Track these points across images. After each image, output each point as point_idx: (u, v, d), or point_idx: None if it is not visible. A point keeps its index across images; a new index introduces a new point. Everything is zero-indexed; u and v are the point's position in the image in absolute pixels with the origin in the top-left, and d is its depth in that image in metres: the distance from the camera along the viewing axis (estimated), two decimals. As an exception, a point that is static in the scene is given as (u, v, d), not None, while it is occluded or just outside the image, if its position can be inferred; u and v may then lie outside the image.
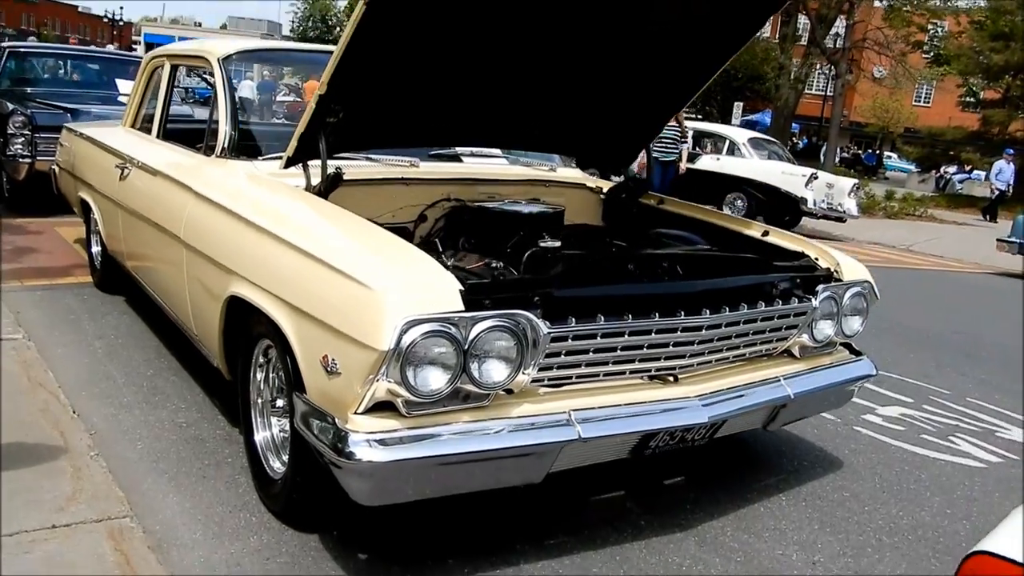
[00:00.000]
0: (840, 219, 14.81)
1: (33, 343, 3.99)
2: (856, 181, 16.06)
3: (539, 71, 3.28)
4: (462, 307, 2.17)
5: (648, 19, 3.18)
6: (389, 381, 2.13)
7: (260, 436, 2.85)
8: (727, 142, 14.80)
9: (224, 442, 3.25)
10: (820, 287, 3.00)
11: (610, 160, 3.98)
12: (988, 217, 21.08)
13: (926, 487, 3.47)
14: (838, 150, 30.19)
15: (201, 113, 5.96)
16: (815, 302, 2.96)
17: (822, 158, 27.49)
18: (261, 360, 2.86)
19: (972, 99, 32.69)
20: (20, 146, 7.36)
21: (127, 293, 5.02)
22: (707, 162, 14.40)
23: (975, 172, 33.65)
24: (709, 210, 3.73)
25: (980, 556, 1.10)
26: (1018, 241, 12.01)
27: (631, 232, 3.73)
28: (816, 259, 3.16)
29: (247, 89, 4.86)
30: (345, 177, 3.07)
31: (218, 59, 3.70)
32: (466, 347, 2.18)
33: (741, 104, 30.99)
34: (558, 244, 2.87)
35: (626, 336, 2.48)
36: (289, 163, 3.08)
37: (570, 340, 2.37)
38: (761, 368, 2.94)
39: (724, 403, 2.69)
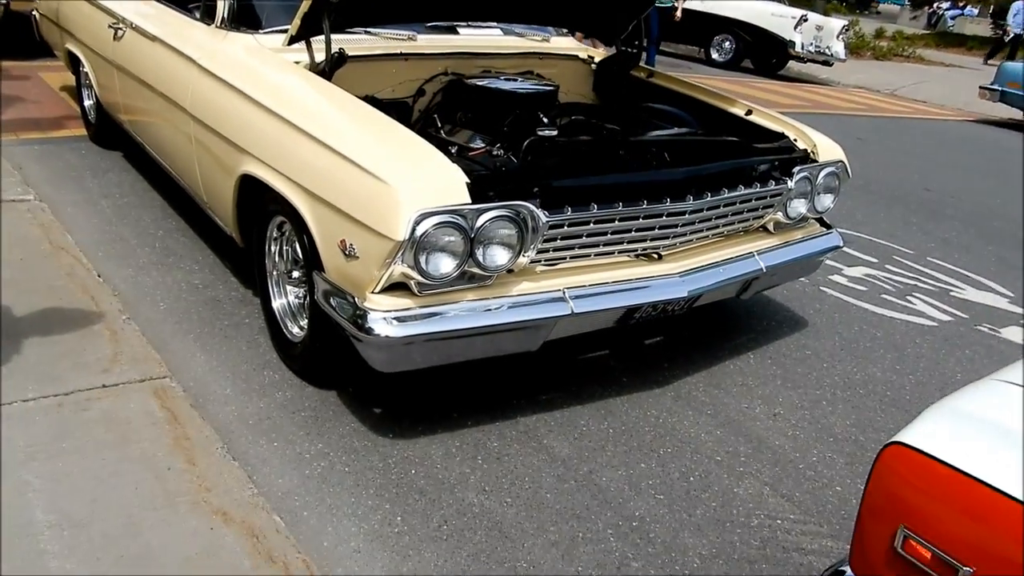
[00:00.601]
0: (827, 63, 14.71)
1: (46, 204, 4.15)
2: (845, 22, 15.81)
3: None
4: (469, 199, 2.38)
5: None
6: (403, 265, 2.37)
7: (277, 303, 3.11)
8: (717, -21, 14.37)
9: (240, 303, 3.51)
10: (796, 168, 3.21)
11: (604, 31, 4.05)
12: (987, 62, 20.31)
13: (880, 345, 3.84)
14: None
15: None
16: (791, 183, 3.19)
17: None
18: (275, 234, 3.07)
19: (973, -72, 31.44)
20: (-6, -14, 7.15)
21: (124, 148, 5.13)
22: (696, 3, 14.06)
23: (968, 8, 32.91)
24: (695, 85, 3.86)
25: (897, 446, 1.36)
26: (1000, 88, 12.08)
27: (621, 106, 3.87)
28: (795, 140, 3.36)
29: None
30: (348, 54, 3.17)
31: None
32: (472, 235, 2.41)
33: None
34: (555, 133, 3.04)
35: (616, 222, 2.71)
36: (292, 41, 3.16)
37: (566, 227, 2.61)
38: (737, 243, 3.20)
39: (702, 278, 2.96)
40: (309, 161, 2.64)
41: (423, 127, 3.49)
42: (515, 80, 3.58)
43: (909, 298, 4.45)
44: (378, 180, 2.38)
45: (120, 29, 4.19)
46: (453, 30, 3.84)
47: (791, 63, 14.88)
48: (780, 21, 13.85)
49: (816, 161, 3.31)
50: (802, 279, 4.34)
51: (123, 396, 2.65)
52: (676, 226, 2.87)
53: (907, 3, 35.19)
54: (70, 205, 4.31)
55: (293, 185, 2.70)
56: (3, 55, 7.35)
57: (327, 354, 2.84)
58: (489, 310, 2.55)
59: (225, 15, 3.48)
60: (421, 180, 2.39)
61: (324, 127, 2.66)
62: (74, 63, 5.21)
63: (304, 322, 3.00)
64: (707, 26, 14.14)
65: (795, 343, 3.74)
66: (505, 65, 3.78)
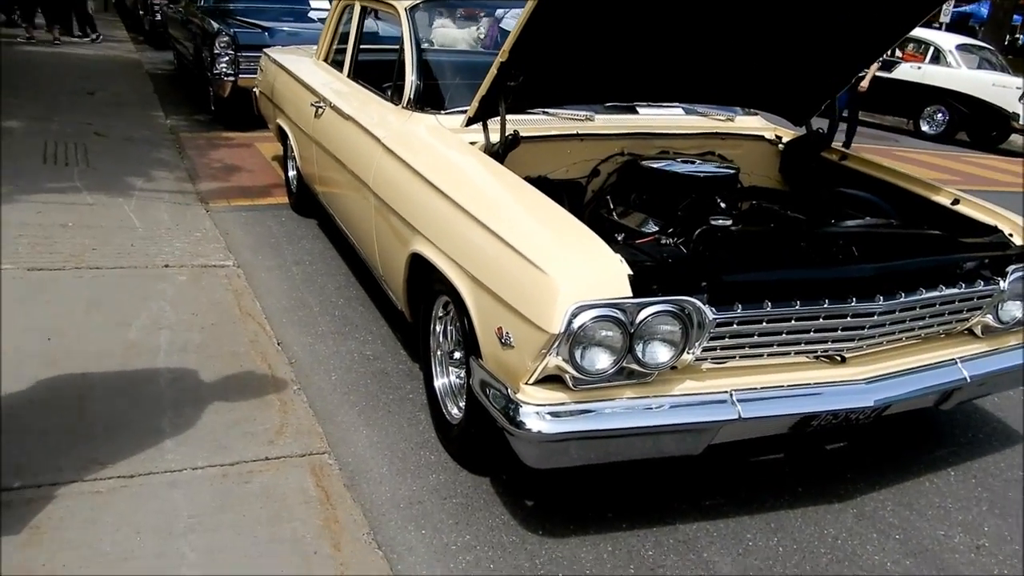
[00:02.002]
0: (1057, 137, 13.39)
1: (242, 271, 4.43)
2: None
3: (722, 21, 3.19)
4: (630, 292, 2.27)
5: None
6: (558, 359, 2.27)
7: (439, 383, 3.10)
8: (931, 48, 13.56)
9: (406, 377, 3.55)
10: (1011, 267, 2.85)
11: (794, 111, 3.84)
12: None
13: (1115, 471, 3.30)
14: None
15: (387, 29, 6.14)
16: (1003, 284, 2.83)
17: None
18: (440, 313, 3.08)
19: None
20: (225, 65, 7.92)
21: (318, 216, 5.43)
22: (907, 71, 13.32)
23: None
24: (895, 170, 3.55)
25: None
26: None
27: (809, 191, 3.63)
28: (1010, 235, 2.99)
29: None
30: (521, 135, 3.18)
31: (406, 8, 3.84)
32: (632, 330, 2.28)
33: (952, -3, 28.04)
34: (729, 222, 2.87)
35: (793, 322, 2.49)
36: (471, 122, 3.21)
37: (735, 325, 2.42)
38: (936, 348, 2.87)
39: (892, 386, 2.66)
40: (472, 244, 2.63)
41: (595, 209, 3.43)
42: (693, 162, 3.44)
43: None
44: (536, 268, 2.32)
45: (321, 107, 4.47)
46: (633, 110, 3.77)
47: (1015, 136, 13.68)
48: (1003, 92, 12.79)
49: (1035, 258, 2.92)
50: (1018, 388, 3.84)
51: (283, 471, 2.71)
52: (863, 328, 2.60)
53: None
54: (264, 270, 4.59)
55: (456, 267, 2.70)
56: (228, 127, 8.12)
57: (482, 440, 2.78)
58: (648, 410, 2.39)
59: (411, 95, 3.61)
60: (580, 270, 2.30)
61: (488, 210, 2.64)
62: (282, 137, 5.61)
63: (463, 404, 2.97)
64: (917, 96, 13.31)
65: (1007, 462, 3.28)
66: (685, 146, 3.66)
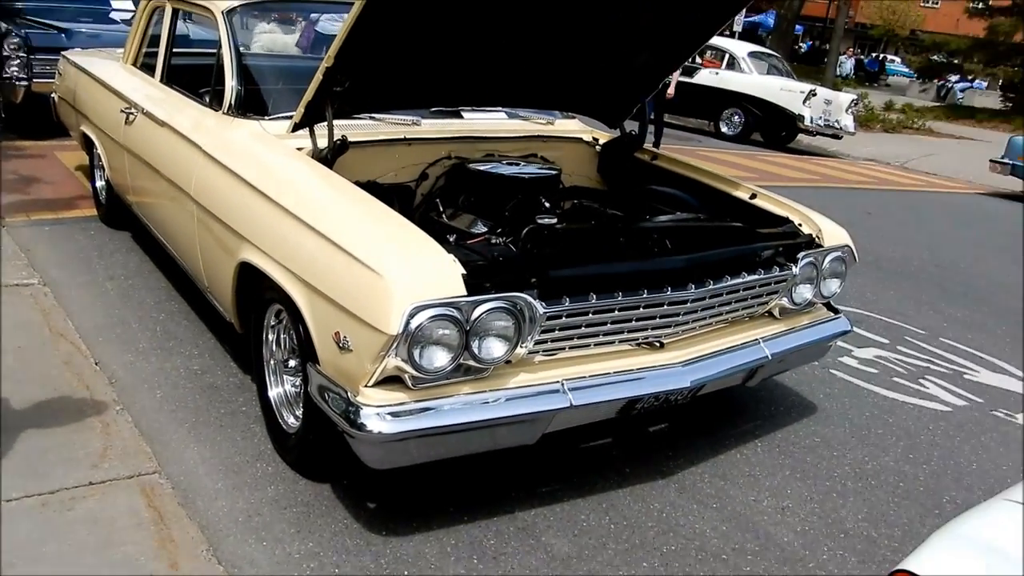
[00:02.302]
0: (836, 136, 14.81)
1: (49, 288, 4.15)
2: (855, 96, 15.99)
3: (540, 30, 3.33)
4: (464, 291, 2.35)
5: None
6: (397, 359, 2.32)
7: (274, 392, 3.05)
8: (727, 55, 14.62)
9: (237, 390, 3.46)
10: (801, 254, 3.17)
11: (608, 114, 4.07)
12: None
13: (892, 432, 3.73)
14: (842, 58, 29.70)
15: (198, 32, 5.92)
16: (795, 269, 3.14)
17: (838, 69, 27.11)
18: (273, 322, 3.04)
19: (981, 4, 31.96)
20: (16, 68, 7.34)
21: (132, 228, 5.15)
22: (706, 76, 14.30)
23: (978, 81, 33.27)
24: (700, 168, 3.85)
25: (903, 574, 1.29)
26: (1011, 162, 12.11)
27: (625, 189, 3.87)
28: (800, 225, 3.32)
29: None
30: (350, 139, 3.19)
31: (223, 11, 3.74)
32: (468, 328, 2.37)
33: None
34: (554, 220, 3.02)
35: (616, 312, 2.66)
36: (296, 128, 3.18)
37: (564, 317, 2.56)
38: (741, 330, 3.14)
39: (705, 367, 2.90)
40: (305, 250, 2.63)
41: (425, 211, 3.49)
42: (517, 164, 3.58)
43: (922, 381, 4.35)
44: (371, 271, 2.35)
45: (131, 114, 4.26)
46: (457, 114, 3.87)
47: (800, 136, 15.00)
48: (789, 96, 14.02)
49: (821, 246, 3.26)
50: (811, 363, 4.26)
51: (110, 494, 2.59)
52: (678, 315, 2.82)
53: (916, 76, 35.63)
54: (75, 287, 4.31)
55: (289, 274, 2.68)
56: (22, 135, 7.51)
57: (321, 446, 2.77)
58: (485, 404, 2.48)
59: (232, 101, 3.53)
60: (416, 272, 2.36)
61: (320, 215, 2.65)
62: (88, 145, 5.29)
63: (300, 412, 2.94)
64: (717, 100, 14.33)
65: (804, 430, 3.64)
66: (509, 148, 3.79)
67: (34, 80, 7.32)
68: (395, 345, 2.28)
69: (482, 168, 3.50)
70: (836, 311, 3.52)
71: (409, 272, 2.35)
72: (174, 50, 4.46)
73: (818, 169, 12.45)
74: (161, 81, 4.35)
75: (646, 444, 3.35)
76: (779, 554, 2.77)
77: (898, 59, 45.63)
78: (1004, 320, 5.66)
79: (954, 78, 33.84)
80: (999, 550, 1.26)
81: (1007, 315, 5.79)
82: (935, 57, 32.85)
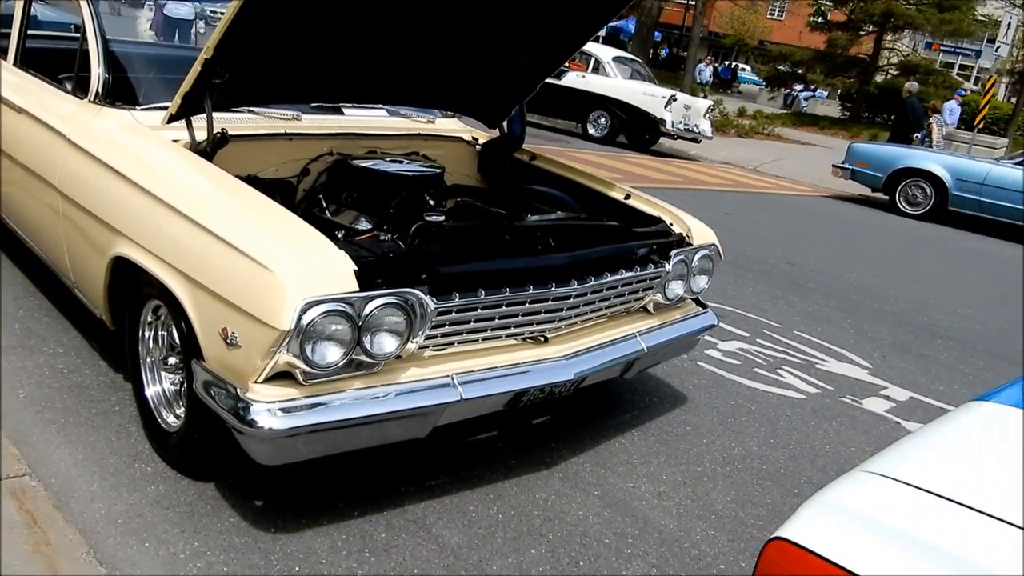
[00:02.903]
0: (695, 140, 15.49)
1: None
2: (711, 103, 16.78)
3: (421, 28, 3.37)
4: (356, 287, 2.36)
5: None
6: (288, 355, 2.31)
7: (151, 391, 2.96)
8: (592, 59, 15.04)
9: (109, 389, 3.33)
10: (673, 252, 3.35)
11: (488, 114, 4.15)
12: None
13: (755, 418, 4.00)
14: (700, 65, 31.09)
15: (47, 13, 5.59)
16: (668, 266, 3.32)
17: (697, 76, 28.31)
18: (150, 318, 2.95)
19: (821, 19, 34.20)
20: None
21: (-18, 221, 4.83)
22: (573, 79, 14.65)
23: (819, 91, 35.56)
24: (576, 169, 3.99)
25: (779, 542, 1.41)
26: (850, 167, 13.03)
27: (505, 188, 3.96)
28: (671, 224, 3.51)
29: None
30: (229, 132, 3.13)
31: (87, -5, 3.57)
32: (360, 323, 2.38)
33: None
34: (442, 218, 3.07)
35: (503, 307, 2.74)
36: (172, 119, 3.09)
37: (454, 313, 2.62)
38: (619, 324, 3.29)
39: (587, 360, 3.02)
40: (188, 244, 2.56)
41: (308, 207, 3.45)
42: (400, 162, 3.60)
43: (779, 371, 4.67)
44: (262, 267, 2.33)
45: (-18, 99, 3.99)
46: (338, 110, 3.85)
47: (662, 139, 15.63)
48: (652, 100, 14.57)
49: (691, 244, 3.46)
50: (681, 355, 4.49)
51: (-24, 499, 2.45)
52: (561, 310, 2.93)
53: (765, 85, 37.69)
54: (-83, 283, 4.01)
55: (170, 269, 2.60)
56: None
57: (206, 445, 2.72)
58: (377, 398, 2.51)
59: (99, 89, 3.37)
60: (307, 267, 2.36)
61: (205, 209, 2.59)
62: (-73, 130, 4.90)
63: (181, 411, 2.86)
64: (584, 103, 14.72)
65: (676, 419, 3.84)
66: (391, 146, 3.81)
67: None
68: (287, 341, 2.27)
69: (365, 165, 3.50)
70: (704, 306, 3.73)
71: (301, 267, 2.35)
72: (30, 32, 4.21)
73: (680, 171, 13.01)
74: (15, 64, 4.10)
75: (530, 436, 3.45)
76: (657, 536, 2.93)
77: (748, 68, 48.23)
78: (849, 314, 6.13)
79: (799, 87, 36.02)
80: (862, 514, 1.42)
81: (851, 309, 6.28)
82: (781, 67, 34.88)
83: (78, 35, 3.67)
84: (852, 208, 12.63)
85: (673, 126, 14.72)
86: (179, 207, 2.63)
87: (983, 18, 33.13)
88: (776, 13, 49.92)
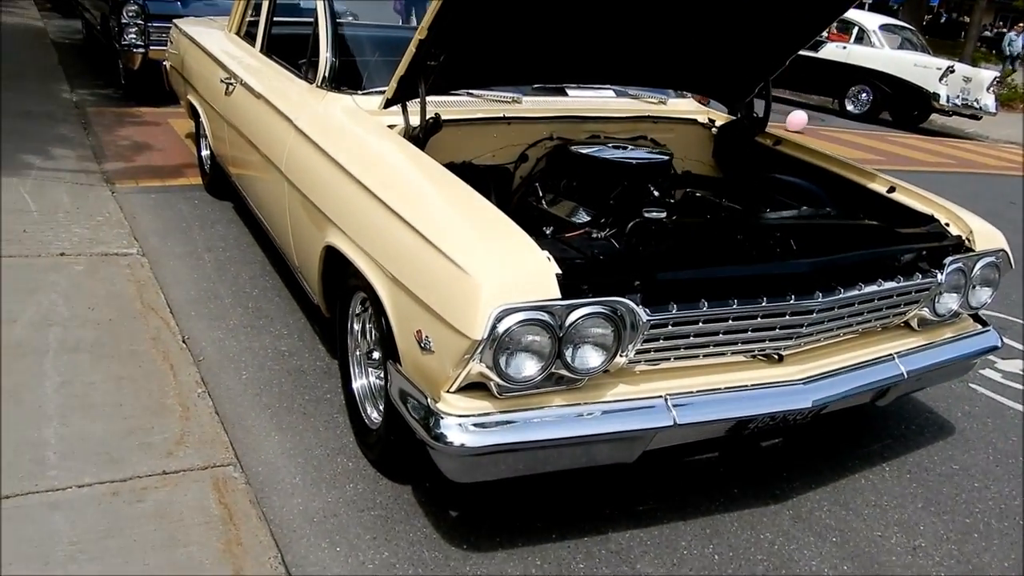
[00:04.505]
0: (975, 116, 13.72)
1: (147, 259, 4.12)
2: (997, 74, 14.78)
3: (654, 3, 3.03)
4: (558, 294, 2.10)
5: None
6: (482, 365, 2.10)
7: (358, 384, 2.89)
8: (855, 28, 13.70)
9: (324, 375, 3.33)
10: (948, 259, 2.77)
11: (728, 94, 3.71)
12: None
13: (1043, 462, 3.29)
14: (1011, 35, 27.53)
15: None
16: (941, 276, 2.75)
17: (1008, 48, 25.20)
18: (358, 310, 2.87)
19: None
20: (134, 35, 7.47)
21: (234, 200, 5.11)
22: (832, 50, 13.44)
23: None
24: (830, 156, 3.45)
25: None
26: None
27: (743, 176, 3.52)
28: (946, 225, 2.92)
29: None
30: (444, 118, 2.97)
31: (319, -21, 3.57)
32: (561, 334, 2.12)
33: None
34: (663, 215, 2.72)
35: (730, 321, 2.36)
36: (388, 104, 2.98)
37: (670, 326, 2.28)
38: (873, 343, 2.78)
39: (830, 385, 2.56)
40: (389, 238, 2.42)
41: (523, 197, 3.24)
42: (625, 148, 3.28)
43: (1078, 402, 3.85)
44: (457, 267, 2.12)
45: (231, 84, 4.17)
46: (562, 91, 3.59)
47: (934, 116, 13.98)
48: (924, 72, 13.03)
49: (972, 250, 2.85)
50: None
51: (181, 486, 2.48)
52: (802, 325, 2.49)
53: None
54: (173, 258, 4.28)
55: (372, 263, 2.48)
56: (140, 102, 7.66)
57: (402, 448, 2.59)
58: (579, 418, 2.23)
59: (326, 74, 3.36)
60: (506, 271, 2.12)
61: (406, 202, 2.43)
62: (194, 114, 5.27)
63: (383, 407, 2.76)
64: (842, 76, 13.46)
65: (940, 455, 3.24)
66: (616, 129, 3.50)
67: (151, 47, 7.43)
68: (480, 350, 2.06)
69: (586, 151, 3.22)
70: (984, 323, 3.09)
71: (498, 270, 2.11)
72: (276, 19, 4.34)
73: (955, 152, 11.54)
74: (261, 51, 4.24)
75: (757, 462, 3.03)
76: (908, 603, 2.44)
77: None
78: None
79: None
80: None
81: None
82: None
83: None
84: None
85: (949, 101, 13.08)
86: (382, 198, 2.50)
87: None
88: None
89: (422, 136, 2.88)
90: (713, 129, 3.78)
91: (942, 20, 36.23)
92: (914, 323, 2.88)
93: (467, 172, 2.99)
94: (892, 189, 3.16)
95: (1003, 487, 3.07)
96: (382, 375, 2.76)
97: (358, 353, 2.91)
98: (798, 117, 9.94)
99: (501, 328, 2.04)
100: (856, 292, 2.55)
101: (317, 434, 2.94)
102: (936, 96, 12.97)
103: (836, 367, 2.61)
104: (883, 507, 2.87)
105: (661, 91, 3.83)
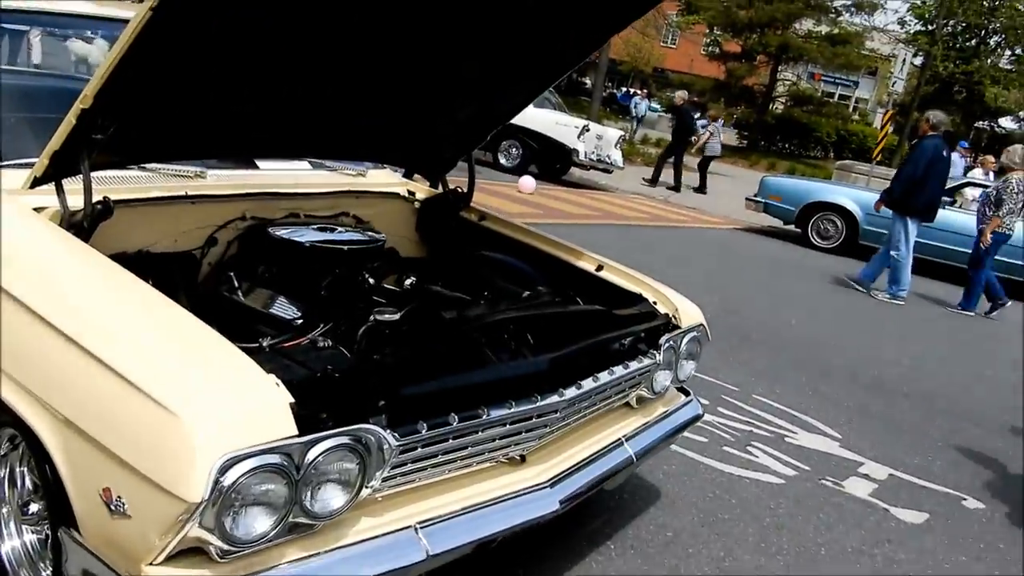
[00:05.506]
0: (607, 170, 15.25)
1: None
2: (622, 133, 16.62)
3: (351, 70, 2.77)
4: (295, 430, 1.74)
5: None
6: (201, 529, 1.66)
7: (7, 547, 2.23)
8: (503, 87, 14.57)
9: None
10: (663, 338, 2.84)
11: (429, 167, 3.56)
12: None
13: (739, 516, 3.50)
14: (635, 99, 31.17)
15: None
16: (659, 356, 2.80)
17: (633, 109, 28.27)
18: (3, 450, 2.22)
19: (716, 48, 34.91)
20: None
21: None
22: (484, 108, 14.13)
23: (719, 120, 36.36)
24: (533, 232, 3.43)
25: None
26: (763, 200, 13.00)
27: (451, 255, 3.37)
28: (655, 303, 2.99)
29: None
30: (114, 198, 2.44)
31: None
32: (298, 477, 1.76)
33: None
34: (396, 316, 2.45)
35: (480, 432, 2.15)
36: (37, 183, 2.37)
37: (420, 448, 2.01)
38: (600, 427, 2.74)
39: (573, 482, 2.46)
40: (56, 368, 1.88)
41: (215, 288, 2.79)
42: (330, 229, 2.98)
43: (749, 448, 4.21)
44: (158, 406, 1.67)
45: None
46: (252, 164, 3.18)
47: (573, 169, 15.31)
48: (564, 130, 14.24)
49: (679, 327, 2.96)
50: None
51: None
52: (547, 426, 2.36)
53: (665, 110, 38.21)
54: None
55: (31, 399, 1.90)
56: None
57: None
58: (320, 570, 1.87)
59: (-60, 141, 2.62)
60: (225, 406, 1.71)
61: (75, 318, 1.90)
62: None
63: (49, 573, 2.15)
64: (495, 133, 14.20)
65: (654, 522, 3.31)
66: (316, 206, 3.17)
67: None
68: (199, 513, 1.63)
69: (285, 234, 2.86)
70: (687, 392, 3.23)
71: (215, 406, 1.70)
72: None
73: (595, 204, 12.66)
74: None
75: (492, 558, 2.84)
76: None
77: (638, 93, 49.00)
78: (801, 370, 5.77)
79: (697, 114, 36.67)
80: None
81: (801, 365, 5.92)
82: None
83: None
84: (768, 243, 12.53)
85: (585, 156, 14.43)
86: (40, 311, 1.93)
87: (867, 52, 34.54)
88: (669, 41, 51.03)
89: (87, 225, 2.32)
90: (416, 203, 3.60)
91: (562, 83, 40.37)
92: (633, 402, 2.90)
93: (144, 264, 2.50)
94: (600, 267, 3.20)
95: (713, 549, 3.20)
96: (44, 531, 2.16)
97: (4, 510, 2.25)
98: (528, 182, 10.87)
99: (227, 482, 1.63)
100: (594, 384, 2.48)
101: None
102: (576, 152, 14.23)
103: (576, 462, 2.52)
104: (618, 592, 2.83)
105: (359, 163, 3.57)
